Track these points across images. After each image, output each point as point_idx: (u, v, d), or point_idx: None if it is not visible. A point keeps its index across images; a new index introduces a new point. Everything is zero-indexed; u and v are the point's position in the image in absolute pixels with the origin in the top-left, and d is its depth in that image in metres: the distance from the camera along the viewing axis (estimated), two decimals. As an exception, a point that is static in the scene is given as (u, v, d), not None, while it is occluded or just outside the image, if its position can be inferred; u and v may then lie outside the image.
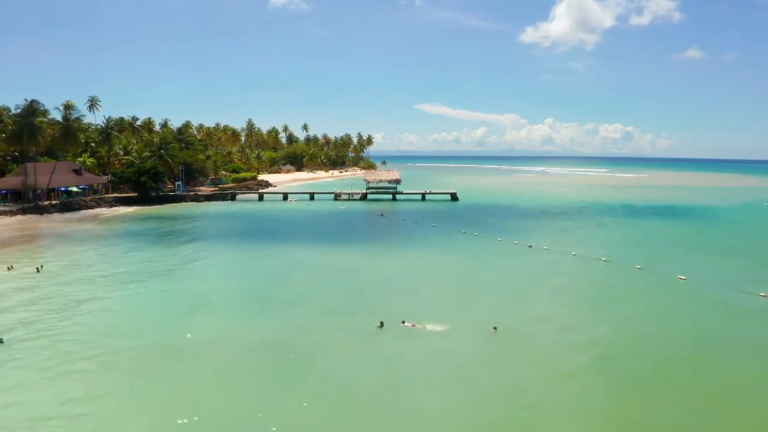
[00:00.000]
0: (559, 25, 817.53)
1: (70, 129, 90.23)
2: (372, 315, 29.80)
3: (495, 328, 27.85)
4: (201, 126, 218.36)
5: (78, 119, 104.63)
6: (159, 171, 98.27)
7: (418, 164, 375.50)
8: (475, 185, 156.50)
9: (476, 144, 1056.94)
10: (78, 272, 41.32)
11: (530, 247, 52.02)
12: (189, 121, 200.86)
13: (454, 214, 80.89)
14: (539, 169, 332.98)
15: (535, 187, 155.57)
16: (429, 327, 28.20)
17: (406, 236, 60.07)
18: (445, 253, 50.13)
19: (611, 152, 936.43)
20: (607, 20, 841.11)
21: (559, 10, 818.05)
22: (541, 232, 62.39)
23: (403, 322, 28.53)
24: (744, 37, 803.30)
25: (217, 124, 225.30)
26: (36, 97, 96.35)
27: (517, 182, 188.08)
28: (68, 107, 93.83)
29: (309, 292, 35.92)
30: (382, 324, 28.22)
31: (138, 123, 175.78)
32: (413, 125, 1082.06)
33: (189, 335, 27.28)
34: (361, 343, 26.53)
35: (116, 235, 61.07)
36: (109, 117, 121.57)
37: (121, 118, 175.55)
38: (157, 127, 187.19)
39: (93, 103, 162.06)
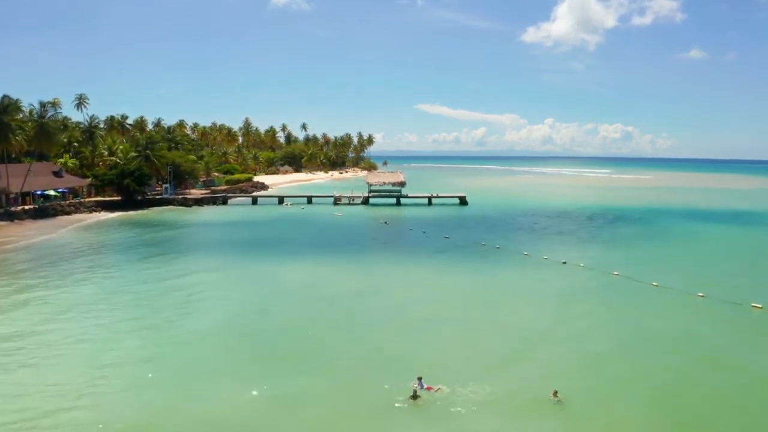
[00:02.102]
0: (561, 25, 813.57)
1: (45, 128, 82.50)
2: (388, 370, 22.44)
3: (555, 393, 20.38)
4: (196, 125, 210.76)
5: (63, 118, 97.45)
6: (144, 173, 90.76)
7: (413, 165, 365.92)
8: (482, 187, 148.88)
9: (476, 144, 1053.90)
10: (23, 298, 33.81)
11: (564, 263, 44.52)
12: (182, 120, 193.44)
13: (467, 222, 73.16)
14: (543, 170, 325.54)
15: (545, 189, 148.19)
16: (466, 390, 20.66)
17: (416, 251, 51.60)
18: (467, 273, 42.30)
19: (611, 152, 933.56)
20: (609, 20, 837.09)
21: (561, 10, 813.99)
22: (570, 244, 54.86)
23: (419, 380, 20.92)
24: (744, 37, 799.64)
25: (214, 123, 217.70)
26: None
27: (524, 183, 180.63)
28: (44, 104, 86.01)
29: (302, 333, 28.20)
30: (415, 394, 20.25)
31: (128, 122, 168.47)
32: (413, 125, 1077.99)
33: (129, 405, 19.75)
34: (384, 427, 18.70)
35: (84, 247, 53.51)
36: (93, 115, 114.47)
37: (111, 117, 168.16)
38: (150, 126, 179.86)
39: (81, 101, 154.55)
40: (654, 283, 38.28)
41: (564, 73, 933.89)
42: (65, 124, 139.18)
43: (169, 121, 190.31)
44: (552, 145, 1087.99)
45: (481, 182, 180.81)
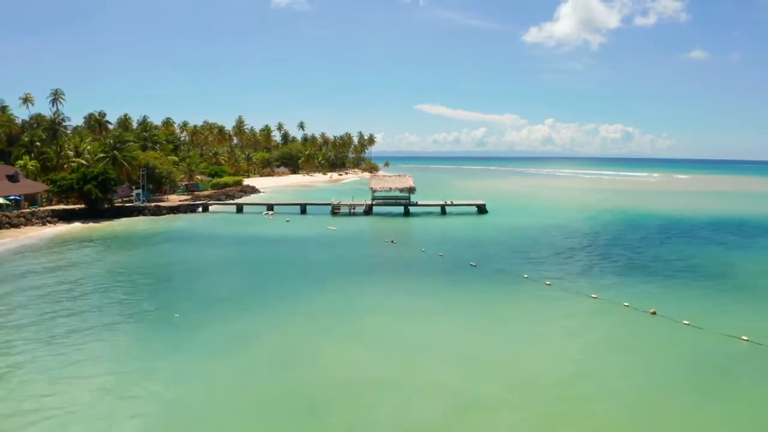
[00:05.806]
0: (563, 25, 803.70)
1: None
2: None
3: None
4: (185, 124, 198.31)
5: (38, 115, 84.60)
6: (109, 177, 77.69)
7: (413, 165, 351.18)
8: (496, 191, 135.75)
9: (476, 144, 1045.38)
10: None
11: (654, 314, 31.32)
12: (169, 118, 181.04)
13: (493, 239, 59.50)
14: (545, 170, 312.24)
15: (566, 193, 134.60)
16: None
17: (436, 292, 36.97)
18: (519, 334, 28.52)
19: (611, 152, 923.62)
20: (613, 21, 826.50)
21: (564, 10, 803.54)
22: (645, 279, 40.05)
23: None
24: (748, 36, 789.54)
25: (205, 122, 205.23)
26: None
27: (538, 186, 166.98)
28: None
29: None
30: None
31: (109, 119, 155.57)
32: (413, 125, 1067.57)
33: None
34: None
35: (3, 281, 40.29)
36: (57, 110, 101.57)
37: (90, 114, 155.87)
38: (135, 125, 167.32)
39: (56, 97, 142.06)
40: (810, 356, 25.13)
41: (565, 73, 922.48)
42: (38, 122, 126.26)
43: (157, 119, 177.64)
44: (552, 145, 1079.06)
45: (491, 185, 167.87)
